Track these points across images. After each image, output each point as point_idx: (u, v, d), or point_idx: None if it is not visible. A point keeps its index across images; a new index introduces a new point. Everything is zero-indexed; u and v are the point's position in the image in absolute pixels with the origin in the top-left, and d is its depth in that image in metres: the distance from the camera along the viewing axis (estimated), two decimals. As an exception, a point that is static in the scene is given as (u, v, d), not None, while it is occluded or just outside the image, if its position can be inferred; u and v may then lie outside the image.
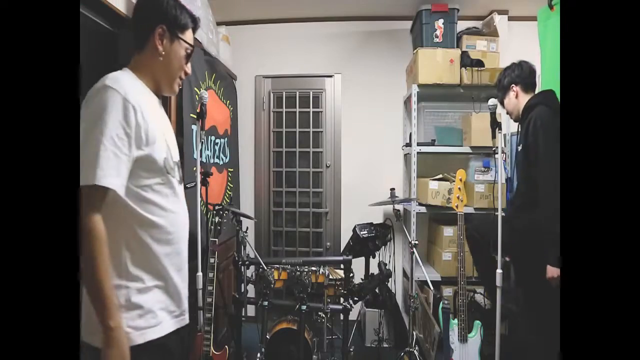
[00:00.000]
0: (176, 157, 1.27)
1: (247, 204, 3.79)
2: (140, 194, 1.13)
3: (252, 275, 2.55)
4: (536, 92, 2.30)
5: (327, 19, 3.68)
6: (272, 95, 3.79)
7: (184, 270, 1.26)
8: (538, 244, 2.02)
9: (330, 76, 3.73)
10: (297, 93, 3.76)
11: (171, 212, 1.20)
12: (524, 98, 2.26)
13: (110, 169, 1.02)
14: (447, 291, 3.08)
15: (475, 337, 2.33)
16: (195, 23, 1.30)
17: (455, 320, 2.35)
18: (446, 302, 2.40)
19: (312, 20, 3.69)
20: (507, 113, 2.38)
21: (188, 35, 1.27)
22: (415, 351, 2.47)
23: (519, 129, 2.30)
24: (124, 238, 1.11)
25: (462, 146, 3.08)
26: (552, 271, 1.98)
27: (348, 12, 3.61)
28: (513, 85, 2.30)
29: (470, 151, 3.00)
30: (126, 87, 1.10)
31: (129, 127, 1.07)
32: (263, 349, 2.29)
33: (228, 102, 3.40)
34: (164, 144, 1.20)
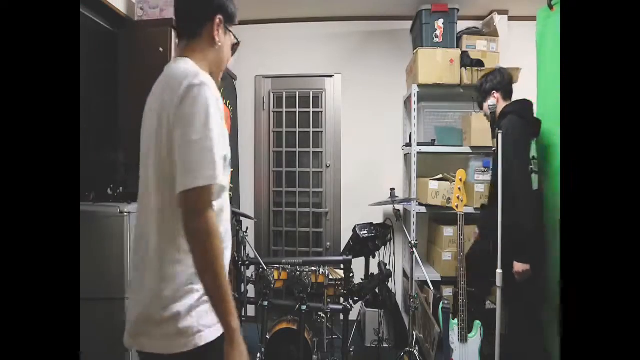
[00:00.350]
0: None
1: (247, 204, 3.79)
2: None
3: (252, 275, 2.55)
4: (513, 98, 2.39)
5: (327, 19, 3.68)
6: (272, 95, 3.79)
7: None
8: (512, 244, 2.10)
9: (330, 76, 3.73)
10: (297, 93, 3.76)
11: (228, 207, 1.19)
12: (502, 104, 2.36)
13: (220, 167, 1.02)
14: (447, 291, 3.07)
15: (475, 337, 2.33)
16: (236, 17, 1.29)
17: (455, 320, 2.35)
18: (446, 302, 2.40)
19: (312, 20, 3.69)
20: (485, 116, 2.47)
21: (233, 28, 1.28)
22: (415, 351, 2.47)
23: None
24: None
25: (462, 146, 3.08)
26: (518, 266, 2.11)
27: (348, 12, 3.61)
28: (494, 91, 2.38)
29: (470, 151, 3.00)
30: (211, 83, 1.08)
31: (221, 126, 1.07)
32: (263, 349, 2.30)
33: (228, 102, 3.40)
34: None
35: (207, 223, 0.99)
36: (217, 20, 1.19)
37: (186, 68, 1.09)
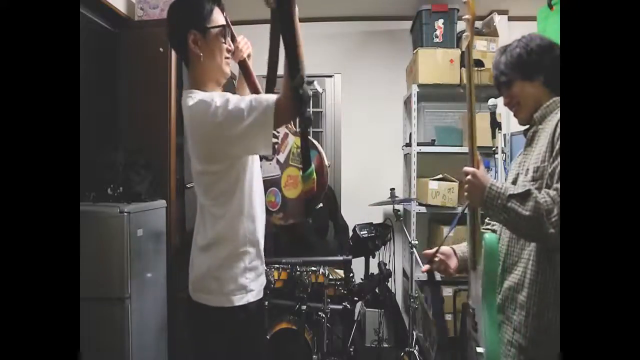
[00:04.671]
0: None
1: (247, 204, 3.78)
2: None
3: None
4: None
5: (327, 19, 3.68)
6: (272, 95, 3.78)
7: None
8: None
9: (330, 76, 3.73)
10: (297, 93, 3.75)
11: (258, 181, 1.39)
12: None
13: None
14: (447, 291, 3.07)
15: None
16: (217, 1, 1.27)
17: None
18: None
19: (312, 20, 3.69)
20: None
21: (215, 17, 1.25)
22: (415, 351, 2.47)
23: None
24: None
25: (462, 146, 3.08)
26: None
27: (348, 12, 3.61)
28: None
29: (470, 151, 2.99)
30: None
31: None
32: (263, 349, 2.29)
33: (228, 102, 3.40)
34: None
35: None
36: (192, 37, 1.22)
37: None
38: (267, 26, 1.31)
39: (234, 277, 1.29)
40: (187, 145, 1.31)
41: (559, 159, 1.06)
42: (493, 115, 2.26)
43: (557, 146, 1.08)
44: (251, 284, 1.32)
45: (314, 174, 1.36)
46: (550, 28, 2.51)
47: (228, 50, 1.29)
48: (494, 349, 1.15)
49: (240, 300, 1.29)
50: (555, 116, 1.17)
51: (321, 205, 3.06)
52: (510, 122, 3.21)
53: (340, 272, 2.59)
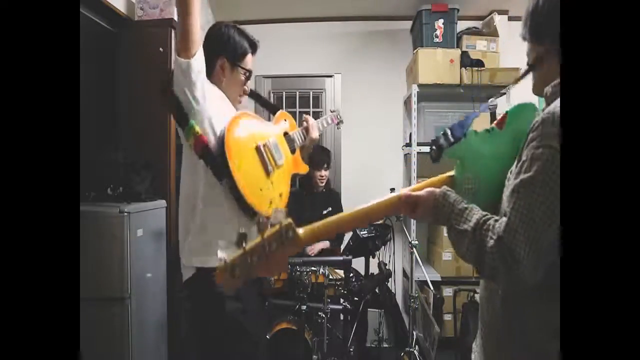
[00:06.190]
0: None
1: (247, 204, 3.78)
2: None
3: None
4: None
5: (327, 19, 3.68)
6: (272, 95, 3.78)
7: None
8: None
9: (330, 76, 3.73)
10: (297, 93, 3.76)
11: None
12: None
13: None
14: (447, 291, 3.07)
15: None
16: (254, 48, 1.46)
17: None
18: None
19: (312, 20, 3.69)
20: None
21: (247, 60, 1.44)
22: (415, 351, 2.46)
23: None
24: None
25: (462, 146, 3.08)
26: None
27: (348, 12, 3.61)
28: None
29: (470, 151, 3.00)
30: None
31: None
32: (263, 349, 2.29)
33: (228, 102, 3.40)
34: None
35: None
36: (221, 62, 1.39)
37: None
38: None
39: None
40: None
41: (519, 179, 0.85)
42: (493, 115, 2.26)
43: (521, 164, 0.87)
44: None
45: (195, 128, 1.32)
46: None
47: (244, 92, 1.49)
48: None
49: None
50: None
51: (330, 209, 3.06)
52: (510, 122, 3.21)
53: (341, 272, 2.59)
